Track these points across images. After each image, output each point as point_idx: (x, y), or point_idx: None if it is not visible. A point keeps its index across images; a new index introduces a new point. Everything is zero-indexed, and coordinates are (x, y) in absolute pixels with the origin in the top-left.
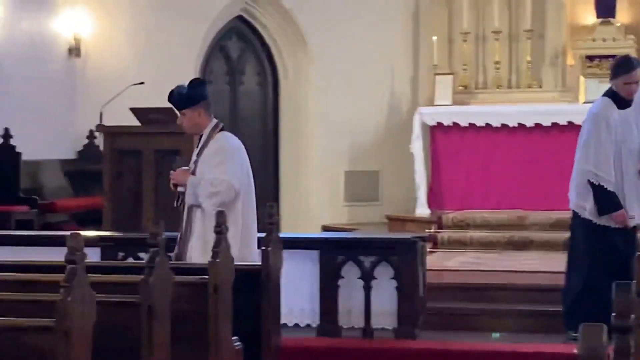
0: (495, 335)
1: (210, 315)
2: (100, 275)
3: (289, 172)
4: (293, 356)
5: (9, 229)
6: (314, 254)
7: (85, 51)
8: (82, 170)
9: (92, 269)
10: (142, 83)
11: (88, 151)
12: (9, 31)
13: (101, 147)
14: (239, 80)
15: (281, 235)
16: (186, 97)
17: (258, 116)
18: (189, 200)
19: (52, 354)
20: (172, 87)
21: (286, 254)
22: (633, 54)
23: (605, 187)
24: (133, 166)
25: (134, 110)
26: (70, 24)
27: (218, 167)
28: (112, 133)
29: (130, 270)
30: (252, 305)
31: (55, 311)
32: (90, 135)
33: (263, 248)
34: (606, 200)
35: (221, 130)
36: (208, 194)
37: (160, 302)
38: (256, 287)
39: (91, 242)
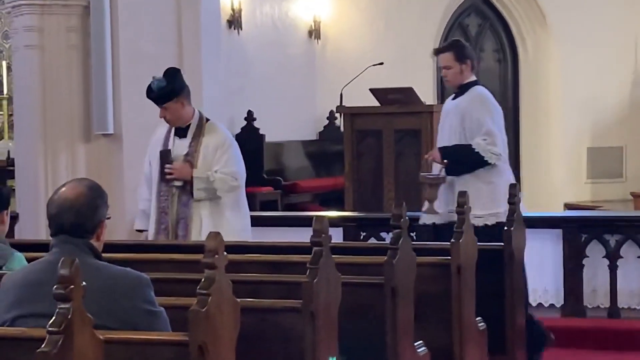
0: None
1: (453, 296)
2: (343, 256)
3: (530, 149)
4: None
5: (254, 209)
6: (557, 232)
7: (324, 33)
8: (323, 151)
9: (336, 249)
10: (381, 64)
11: (328, 132)
12: (251, 16)
13: (341, 128)
14: (478, 57)
15: (523, 214)
16: (169, 89)
17: (497, 93)
18: (199, 195)
19: (299, 335)
20: (408, 67)
21: (529, 233)
22: None
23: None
24: (373, 146)
25: (374, 91)
26: (310, 7)
27: (228, 160)
28: (352, 114)
29: (373, 251)
30: (495, 286)
31: (301, 292)
32: (331, 117)
33: (505, 228)
34: None
35: (207, 120)
36: (230, 188)
37: (404, 283)
38: (499, 267)
39: (334, 223)
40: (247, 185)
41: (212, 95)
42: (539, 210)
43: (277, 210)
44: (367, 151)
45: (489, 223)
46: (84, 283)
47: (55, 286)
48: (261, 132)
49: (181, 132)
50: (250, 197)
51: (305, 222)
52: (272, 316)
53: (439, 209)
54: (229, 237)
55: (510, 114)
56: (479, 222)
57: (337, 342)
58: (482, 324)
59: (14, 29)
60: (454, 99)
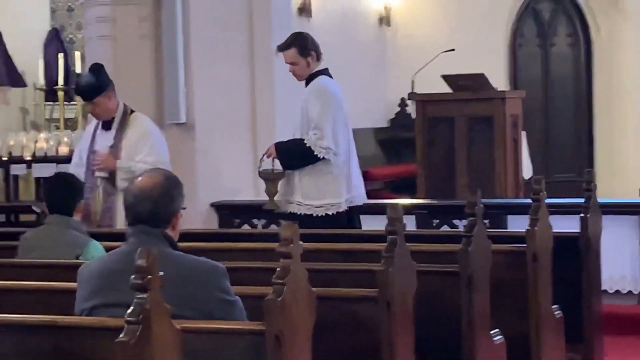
0: None
1: (529, 284)
2: (417, 244)
3: (604, 135)
4: (614, 324)
5: None
6: (633, 219)
7: (395, 20)
8: (394, 138)
9: (410, 237)
10: (452, 50)
11: (400, 119)
12: (321, 3)
13: (413, 115)
14: (550, 42)
15: (599, 200)
16: (97, 85)
17: (571, 78)
18: (123, 185)
19: (374, 323)
20: (480, 53)
21: (604, 219)
22: None
23: None
24: (445, 133)
25: (445, 77)
26: None
27: (150, 149)
28: (424, 101)
29: (446, 239)
30: (571, 273)
31: (377, 281)
32: (402, 104)
33: (582, 215)
34: None
35: (131, 111)
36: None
37: (480, 271)
38: (575, 254)
39: (406, 210)
40: None
41: (283, 83)
42: (614, 196)
43: None
44: (439, 138)
45: (330, 213)
46: (161, 273)
47: (132, 276)
48: None
49: (106, 125)
50: None
51: (378, 209)
52: (348, 305)
53: (279, 203)
54: None
55: (584, 98)
56: (320, 212)
57: (413, 331)
58: (559, 312)
59: (87, 20)
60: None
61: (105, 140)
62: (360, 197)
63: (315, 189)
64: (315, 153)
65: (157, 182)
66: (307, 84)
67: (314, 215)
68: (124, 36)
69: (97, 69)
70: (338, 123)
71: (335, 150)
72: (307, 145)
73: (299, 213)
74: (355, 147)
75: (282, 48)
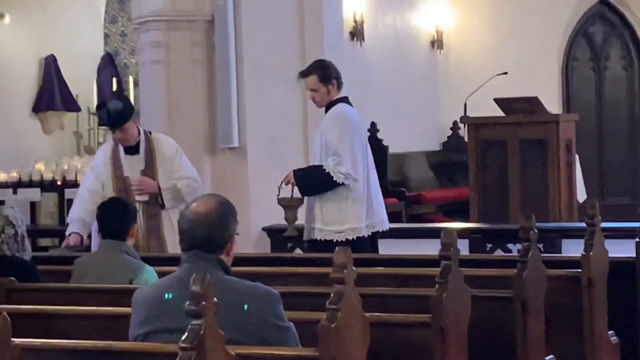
0: None
1: (584, 309)
2: (471, 268)
3: None
4: None
5: None
6: None
7: (447, 43)
8: (446, 161)
9: (463, 262)
10: (505, 73)
11: (452, 143)
12: (373, 26)
13: (465, 139)
14: (604, 66)
15: None
16: (129, 110)
17: (624, 101)
18: (170, 204)
19: (428, 349)
20: (533, 77)
21: None
22: None
23: None
24: (498, 157)
25: (498, 101)
26: (432, 17)
27: (184, 166)
28: (477, 124)
29: (501, 263)
30: (627, 298)
31: (430, 306)
32: (455, 127)
33: (637, 240)
34: None
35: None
36: (193, 190)
37: (534, 296)
38: (631, 280)
39: (459, 234)
40: None
41: None
42: None
43: (401, 221)
44: (492, 161)
45: (350, 238)
46: (215, 299)
47: (187, 302)
48: (384, 143)
49: (131, 150)
50: None
51: (431, 233)
52: (402, 331)
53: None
54: None
55: (638, 121)
56: (341, 237)
57: (466, 357)
58: (615, 337)
59: (140, 45)
60: None
61: (134, 165)
62: (382, 222)
63: (335, 214)
64: (334, 179)
65: (212, 208)
66: (326, 111)
67: (335, 240)
68: (177, 61)
69: (122, 96)
70: (356, 149)
71: (354, 176)
72: (326, 171)
73: (320, 239)
74: (376, 174)
75: (304, 74)
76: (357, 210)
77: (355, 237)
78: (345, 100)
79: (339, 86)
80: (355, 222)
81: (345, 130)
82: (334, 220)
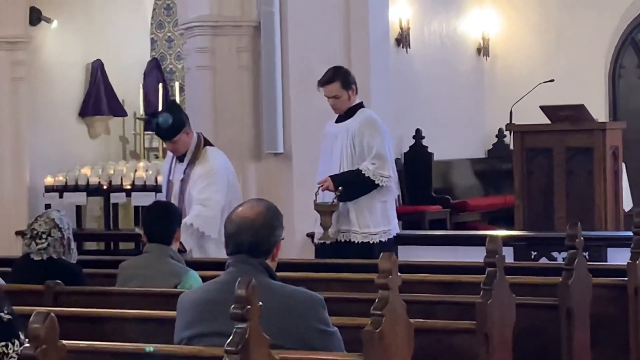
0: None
1: (630, 318)
2: (516, 276)
3: None
4: None
5: (423, 228)
6: None
7: (493, 50)
8: (491, 169)
9: (508, 269)
10: (551, 80)
11: (497, 150)
12: (419, 33)
13: (511, 146)
14: None
15: None
16: (179, 123)
17: None
18: (189, 244)
19: (473, 357)
20: (579, 84)
21: None
22: None
23: None
24: (544, 164)
25: (544, 108)
26: (479, 23)
27: (204, 187)
28: (522, 132)
29: (546, 271)
30: None
31: (475, 313)
32: (500, 134)
33: None
34: None
35: (205, 143)
36: (205, 219)
37: (580, 305)
38: None
39: (504, 242)
40: (415, 203)
41: (381, 113)
42: None
43: (445, 228)
44: (537, 169)
45: (383, 240)
46: (260, 303)
47: (232, 306)
48: (430, 150)
49: (181, 157)
50: (419, 216)
51: (476, 241)
52: (446, 337)
53: (331, 234)
54: None
55: None
56: (375, 239)
57: None
58: None
59: (186, 50)
60: (337, 121)
61: (179, 172)
62: (396, 226)
63: (370, 217)
64: (376, 182)
65: (259, 212)
66: (346, 115)
67: (371, 242)
68: (223, 66)
69: (172, 106)
70: (391, 152)
71: (395, 178)
72: (366, 175)
73: (355, 242)
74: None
75: (325, 82)
76: (388, 212)
77: (387, 239)
78: (363, 105)
79: (357, 91)
80: (387, 224)
81: (383, 134)
82: (368, 223)
